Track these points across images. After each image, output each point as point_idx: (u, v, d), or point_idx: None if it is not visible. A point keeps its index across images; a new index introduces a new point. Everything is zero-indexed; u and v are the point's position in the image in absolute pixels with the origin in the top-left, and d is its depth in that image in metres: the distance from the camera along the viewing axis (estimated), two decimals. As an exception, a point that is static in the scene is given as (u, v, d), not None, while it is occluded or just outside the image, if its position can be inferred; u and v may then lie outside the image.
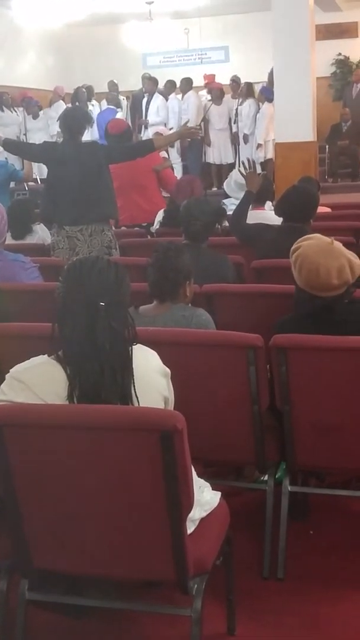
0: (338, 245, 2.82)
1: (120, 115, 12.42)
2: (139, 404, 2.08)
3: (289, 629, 2.52)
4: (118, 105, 12.85)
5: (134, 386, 2.08)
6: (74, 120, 5.06)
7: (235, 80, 12.51)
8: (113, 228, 5.40)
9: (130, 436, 1.95)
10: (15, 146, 5.63)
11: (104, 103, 13.10)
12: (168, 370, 2.21)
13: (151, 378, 2.15)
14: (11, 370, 2.12)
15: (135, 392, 2.08)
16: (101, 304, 2.07)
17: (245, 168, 4.98)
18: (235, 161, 12.22)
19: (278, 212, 4.55)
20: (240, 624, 2.50)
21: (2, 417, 2.00)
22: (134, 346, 2.14)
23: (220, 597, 2.46)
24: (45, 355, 2.12)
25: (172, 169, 12.00)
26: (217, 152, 12.37)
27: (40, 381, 2.08)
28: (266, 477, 2.91)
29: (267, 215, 5.38)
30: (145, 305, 3.05)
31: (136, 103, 13.18)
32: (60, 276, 2.17)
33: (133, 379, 2.09)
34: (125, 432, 1.95)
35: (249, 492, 3.24)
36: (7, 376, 2.11)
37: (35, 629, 2.39)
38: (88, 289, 2.09)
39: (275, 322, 2.91)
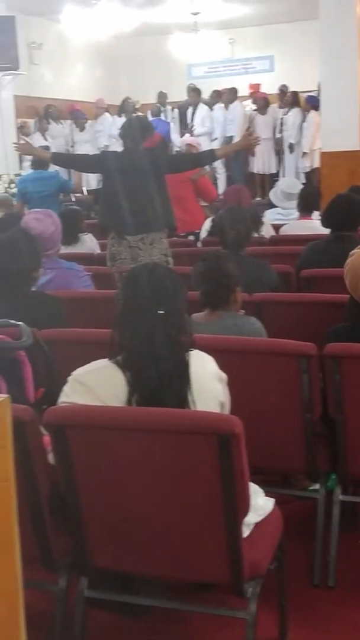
0: None
1: (172, 126, 12.53)
2: (195, 409, 2.13)
3: (339, 636, 2.54)
4: (157, 116, 12.95)
5: (191, 391, 2.14)
6: (137, 130, 5.09)
7: (283, 90, 12.50)
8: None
9: (188, 439, 2.00)
10: (65, 159, 5.69)
11: (149, 115, 13.21)
12: (224, 375, 2.27)
13: (207, 384, 2.20)
14: (73, 373, 2.19)
15: (191, 397, 2.14)
16: (160, 312, 2.13)
17: None
18: (278, 171, 12.24)
19: (325, 222, 4.56)
20: (291, 630, 2.52)
21: (65, 418, 2.07)
22: (190, 352, 2.19)
23: (270, 603, 2.48)
24: (106, 360, 2.19)
25: (215, 177, 12.13)
26: (261, 162, 12.39)
27: (101, 384, 2.14)
28: (317, 486, 2.93)
29: (314, 224, 5.41)
30: (196, 313, 3.10)
31: (181, 114, 13.28)
32: (120, 283, 2.24)
33: (190, 385, 2.14)
34: (184, 435, 2.00)
35: (297, 500, 3.26)
36: (70, 379, 2.19)
37: (90, 627, 2.45)
38: (147, 297, 2.15)
39: (325, 331, 2.93)
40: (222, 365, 2.32)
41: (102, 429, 2.06)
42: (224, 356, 2.48)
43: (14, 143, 6.74)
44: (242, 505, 2.02)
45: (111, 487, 2.11)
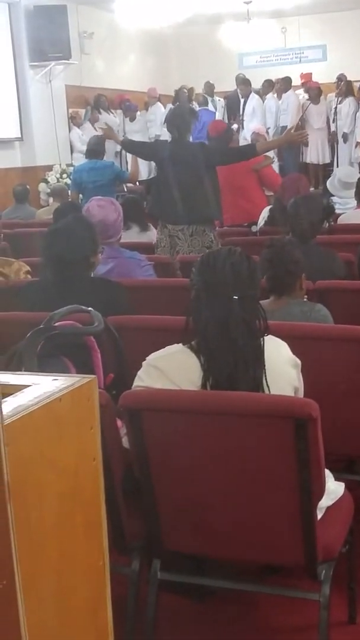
0: None
1: (218, 116, 12.49)
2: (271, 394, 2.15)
3: None
4: (204, 106, 12.92)
5: (266, 377, 2.15)
6: (180, 119, 5.14)
7: (341, 78, 12.32)
8: (217, 228, 5.49)
9: (265, 423, 2.01)
10: (132, 145, 5.78)
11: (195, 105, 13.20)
12: (298, 361, 2.27)
13: (282, 369, 2.22)
14: (147, 358, 2.23)
15: (266, 382, 2.15)
16: (234, 298, 2.14)
17: None
18: (332, 161, 12.12)
19: None
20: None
21: (141, 402, 2.11)
22: (265, 337, 2.20)
23: (340, 586, 2.49)
24: (180, 344, 2.21)
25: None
26: (315, 152, 12.29)
27: (175, 369, 2.17)
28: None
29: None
30: (261, 300, 3.10)
31: (231, 104, 13.21)
32: (194, 268, 2.25)
33: (264, 370, 2.15)
34: (261, 419, 2.02)
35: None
36: (144, 363, 2.22)
37: (160, 610, 2.48)
38: (222, 283, 2.16)
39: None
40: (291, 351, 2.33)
41: (177, 413, 2.09)
42: (292, 342, 2.48)
43: (100, 127, 7.02)
44: (317, 489, 2.04)
45: (186, 470, 2.14)
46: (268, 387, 2.14)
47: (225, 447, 2.07)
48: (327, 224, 4.42)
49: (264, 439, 2.03)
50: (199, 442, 2.09)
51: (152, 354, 2.24)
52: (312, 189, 11.67)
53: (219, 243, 5.15)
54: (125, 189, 10.76)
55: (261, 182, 6.74)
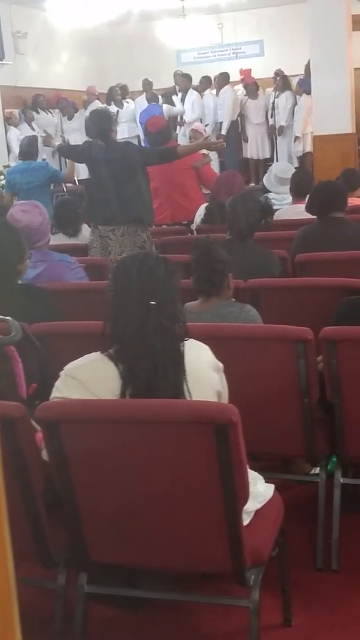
0: None
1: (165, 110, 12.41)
2: (191, 400, 2.10)
3: (344, 620, 2.52)
4: (154, 101, 12.84)
5: (186, 382, 2.10)
6: (99, 125, 5.12)
7: (278, 74, 12.24)
8: (153, 226, 5.45)
9: (185, 429, 1.97)
10: (67, 150, 5.73)
11: (143, 100, 13.08)
12: (221, 364, 2.23)
13: (203, 373, 2.17)
14: (65, 368, 2.15)
15: (187, 387, 2.10)
16: (151, 303, 2.08)
17: None
18: (272, 155, 12.15)
19: (310, 210, 4.53)
20: (296, 615, 2.51)
21: (58, 413, 2.04)
22: (185, 341, 2.15)
23: (274, 589, 2.47)
24: (98, 353, 2.15)
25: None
26: (255, 147, 12.29)
27: (93, 378, 2.10)
28: (317, 470, 2.91)
29: (306, 208, 5.36)
30: (190, 302, 3.06)
31: (168, 101, 13.14)
32: (110, 273, 2.19)
33: (185, 375, 2.10)
34: (181, 426, 1.97)
35: (297, 485, 3.24)
36: (62, 374, 2.15)
37: (91, 623, 2.42)
38: (138, 288, 2.10)
39: (322, 314, 2.91)
40: (219, 353, 2.29)
41: (96, 423, 2.03)
42: (220, 343, 2.45)
43: (42, 135, 7.14)
44: (241, 493, 2.00)
45: (107, 480, 2.08)
46: (189, 392, 2.09)
47: (146, 456, 2.02)
48: (264, 222, 4.38)
49: (185, 445, 1.98)
50: (119, 451, 2.03)
51: (70, 363, 2.16)
52: (252, 184, 11.73)
53: (153, 243, 5.11)
54: (65, 189, 10.64)
55: (199, 181, 6.72)
